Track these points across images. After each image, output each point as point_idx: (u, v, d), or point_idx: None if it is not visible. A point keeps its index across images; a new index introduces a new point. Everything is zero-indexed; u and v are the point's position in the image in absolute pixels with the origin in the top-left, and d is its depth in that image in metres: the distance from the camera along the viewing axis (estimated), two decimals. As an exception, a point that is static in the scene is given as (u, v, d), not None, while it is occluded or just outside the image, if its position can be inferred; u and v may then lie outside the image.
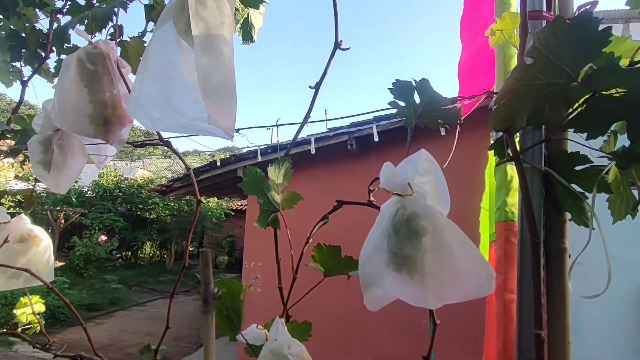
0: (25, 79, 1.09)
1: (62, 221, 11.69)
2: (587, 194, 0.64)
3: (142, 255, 15.59)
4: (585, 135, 0.55)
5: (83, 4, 1.06)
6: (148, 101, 0.61)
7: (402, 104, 0.78)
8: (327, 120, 5.92)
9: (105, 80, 0.84)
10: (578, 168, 0.63)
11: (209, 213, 15.04)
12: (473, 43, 1.66)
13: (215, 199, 14.40)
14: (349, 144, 4.84)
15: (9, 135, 1.06)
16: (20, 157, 1.17)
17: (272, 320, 0.81)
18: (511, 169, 1.20)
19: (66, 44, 1.04)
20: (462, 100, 0.96)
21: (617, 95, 0.48)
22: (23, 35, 1.01)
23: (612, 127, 0.64)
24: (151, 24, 1.16)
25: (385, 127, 4.51)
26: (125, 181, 15.46)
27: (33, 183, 11.27)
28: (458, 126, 0.86)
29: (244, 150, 6.07)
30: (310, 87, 0.85)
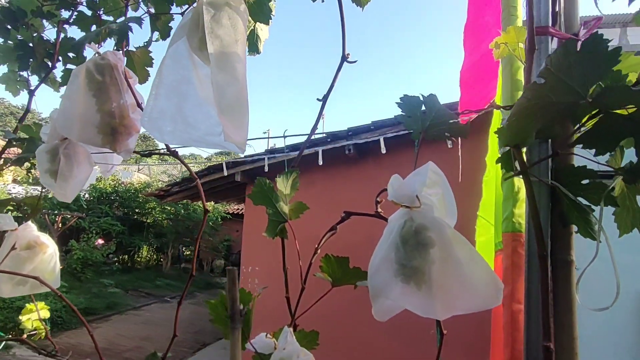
0: (32, 88, 1.10)
1: (60, 225, 11.63)
2: (592, 206, 0.65)
3: (138, 259, 15.51)
4: (592, 150, 0.56)
5: (89, 14, 1.07)
6: (161, 115, 0.62)
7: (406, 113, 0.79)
8: (326, 128, 5.93)
9: (113, 91, 0.85)
10: (584, 182, 0.64)
11: (206, 217, 14.96)
12: (476, 51, 1.67)
13: (212, 202, 14.37)
14: (347, 149, 4.84)
15: (15, 143, 1.06)
16: (27, 165, 1.17)
17: (281, 329, 0.82)
18: (518, 181, 1.21)
19: (73, 54, 1.05)
20: (470, 114, 0.97)
21: (626, 113, 0.49)
22: (31, 45, 1.02)
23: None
24: (156, 33, 1.16)
25: (383, 132, 4.52)
26: (122, 185, 15.39)
27: (33, 188, 11.24)
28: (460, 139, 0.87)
29: (241, 156, 6.08)
30: (318, 99, 0.85)
